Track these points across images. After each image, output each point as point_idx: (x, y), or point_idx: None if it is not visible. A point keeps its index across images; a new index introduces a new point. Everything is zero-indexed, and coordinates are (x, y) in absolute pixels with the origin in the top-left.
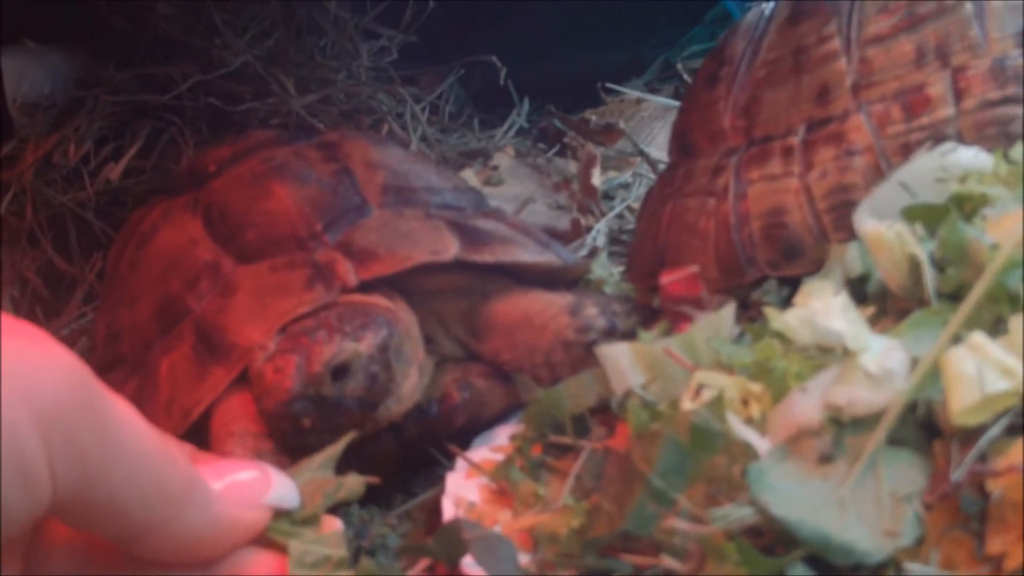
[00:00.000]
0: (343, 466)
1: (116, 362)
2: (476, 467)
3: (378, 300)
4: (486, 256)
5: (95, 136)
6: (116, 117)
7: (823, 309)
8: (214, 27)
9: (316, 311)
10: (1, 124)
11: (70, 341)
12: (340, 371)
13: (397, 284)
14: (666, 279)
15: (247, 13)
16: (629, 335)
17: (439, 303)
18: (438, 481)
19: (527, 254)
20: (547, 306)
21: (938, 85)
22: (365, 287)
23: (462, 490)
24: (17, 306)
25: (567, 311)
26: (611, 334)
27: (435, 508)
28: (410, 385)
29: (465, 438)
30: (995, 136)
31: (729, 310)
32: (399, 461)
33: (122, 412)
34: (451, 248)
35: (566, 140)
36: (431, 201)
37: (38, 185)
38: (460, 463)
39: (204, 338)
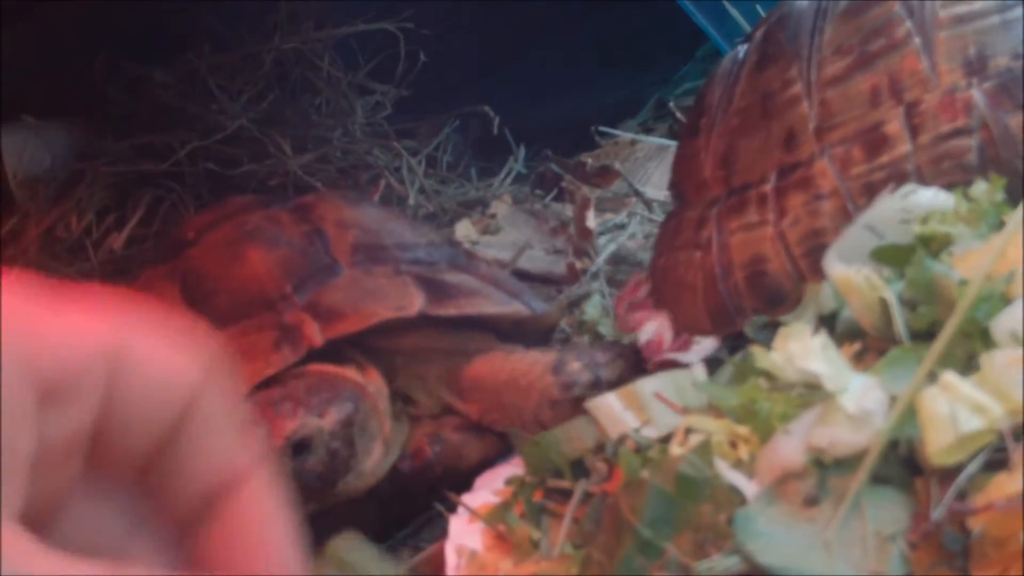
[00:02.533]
0: (324, 529)
1: None
2: (474, 513)
3: (348, 372)
4: (450, 310)
5: (97, 207)
6: (117, 187)
7: (801, 351)
8: (209, 93)
9: (287, 376)
10: (2, 200)
11: None
12: (301, 446)
13: (374, 347)
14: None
15: (241, 77)
16: (615, 384)
17: (422, 366)
18: (443, 533)
19: (492, 306)
20: (531, 366)
21: (894, 123)
22: (337, 352)
23: (465, 536)
24: None
25: (551, 370)
26: (596, 386)
27: (440, 559)
28: (373, 461)
29: (467, 482)
30: (951, 169)
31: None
32: (380, 519)
33: None
34: (415, 303)
35: (563, 184)
36: (402, 257)
37: (43, 259)
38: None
39: None
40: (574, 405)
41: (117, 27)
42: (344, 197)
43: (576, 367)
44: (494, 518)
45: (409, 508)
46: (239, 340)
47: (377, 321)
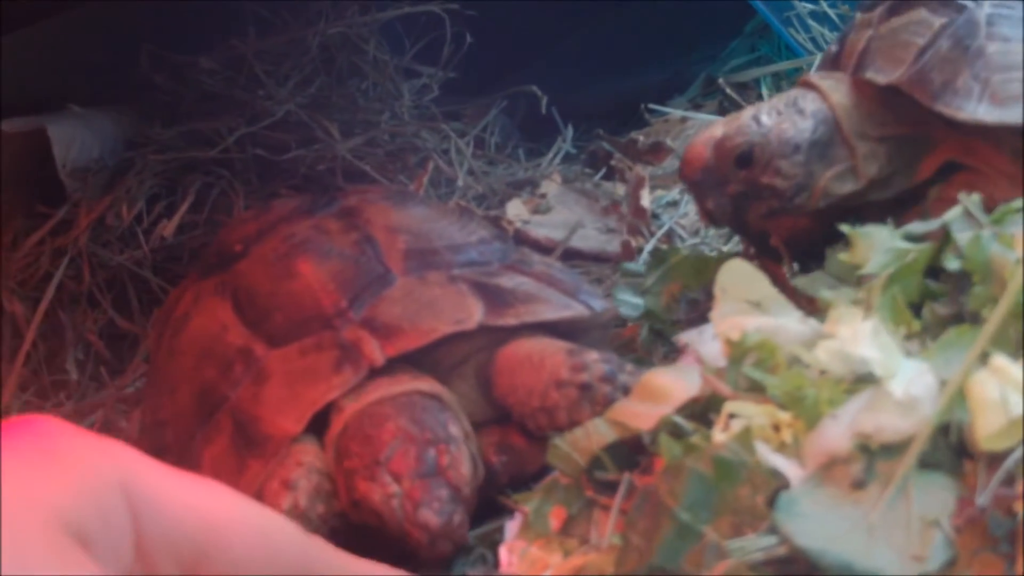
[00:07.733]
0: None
1: (163, 450)
2: (520, 510)
3: (427, 383)
4: (509, 319)
5: (147, 195)
6: (166, 175)
7: (851, 336)
8: (256, 79)
9: (373, 403)
10: (53, 190)
11: (135, 400)
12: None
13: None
14: None
15: (288, 63)
16: (627, 392)
17: (467, 367)
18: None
19: (551, 310)
20: (548, 346)
21: None
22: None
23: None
24: (82, 368)
25: (565, 351)
26: (608, 381)
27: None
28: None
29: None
30: None
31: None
32: None
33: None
34: (474, 315)
35: (613, 163)
36: (454, 260)
37: (94, 247)
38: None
39: (240, 429)
40: (582, 392)
41: (162, 15)
42: (389, 196)
43: (594, 356)
44: (529, 534)
45: (473, 515)
46: (298, 360)
47: (437, 337)
